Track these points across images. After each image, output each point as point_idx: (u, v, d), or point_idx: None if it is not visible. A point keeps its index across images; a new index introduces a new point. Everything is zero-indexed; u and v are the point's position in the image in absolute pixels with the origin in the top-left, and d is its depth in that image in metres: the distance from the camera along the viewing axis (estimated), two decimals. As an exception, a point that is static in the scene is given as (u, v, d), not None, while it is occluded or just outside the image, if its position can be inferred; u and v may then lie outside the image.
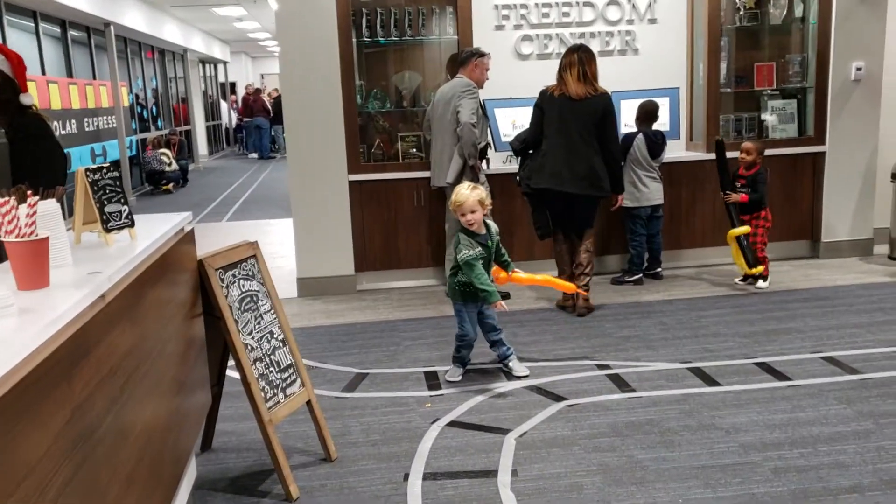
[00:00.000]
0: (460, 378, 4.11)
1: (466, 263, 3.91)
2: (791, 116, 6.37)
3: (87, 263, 2.08)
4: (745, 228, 5.44)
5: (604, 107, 4.96)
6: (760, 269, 5.50)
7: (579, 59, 4.95)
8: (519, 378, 4.08)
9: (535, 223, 5.27)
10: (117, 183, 2.37)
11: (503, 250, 4.19)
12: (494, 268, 4.17)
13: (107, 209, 2.32)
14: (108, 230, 2.33)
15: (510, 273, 4.18)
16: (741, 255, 5.48)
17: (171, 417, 2.51)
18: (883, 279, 5.66)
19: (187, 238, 2.90)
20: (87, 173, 2.29)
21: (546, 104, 5.05)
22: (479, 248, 3.97)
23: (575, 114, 4.94)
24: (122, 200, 2.38)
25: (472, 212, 3.93)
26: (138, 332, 2.13)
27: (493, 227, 4.11)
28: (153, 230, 2.58)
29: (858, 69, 6.09)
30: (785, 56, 6.42)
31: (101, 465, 1.78)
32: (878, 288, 5.43)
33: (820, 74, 6.18)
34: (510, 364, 4.16)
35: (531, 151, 5.24)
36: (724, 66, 6.23)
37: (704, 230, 6.25)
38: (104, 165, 2.34)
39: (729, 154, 5.62)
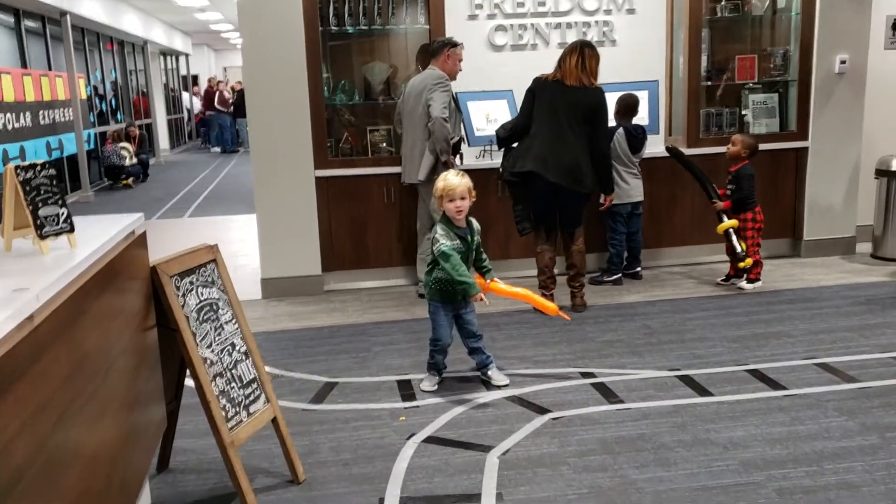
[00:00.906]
0: (436, 388, 3.86)
1: (442, 254, 3.65)
2: (773, 111, 6.21)
3: (15, 277, 1.79)
4: (731, 222, 5.27)
5: (597, 100, 4.80)
6: (749, 262, 5.30)
7: (581, 51, 4.82)
8: (499, 388, 3.84)
9: (517, 217, 5.03)
10: (54, 182, 2.07)
11: (484, 256, 3.94)
12: (475, 275, 3.91)
13: (41, 212, 2.02)
14: (42, 236, 2.03)
15: (489, 281, 3.92)
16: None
17: (121, 442, 2.22)
18: (868, 279, 5.53)
19: (138, 242, 2.61)
20: (18, 171, 1.99)
21: (538, 89, 4.87)
22: (458, 241, 3.72)
23: (566, 101, 4.77)
24: (60, 202, 2.08)
25: (462, 198, 3.68)
26: (77, 355, 1.84)
27: (476, 224, 3.87)
28: (98, 235, 2.27)
29: (842, 62, 5.94)
30: (767, 48, 6.26)
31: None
32: (863, 288, 5.29)
33: (803, 67, 6.02)
34: (489, 373, 3.92)
35: (515, 144, 5.02)
36: (704, 58, 6.05)
37: (684, 228, 6.07)
38: (38, 162, 2.04)
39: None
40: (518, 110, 5.66)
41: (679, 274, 5.83)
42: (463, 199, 3.68)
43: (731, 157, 5.29)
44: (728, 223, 5.28)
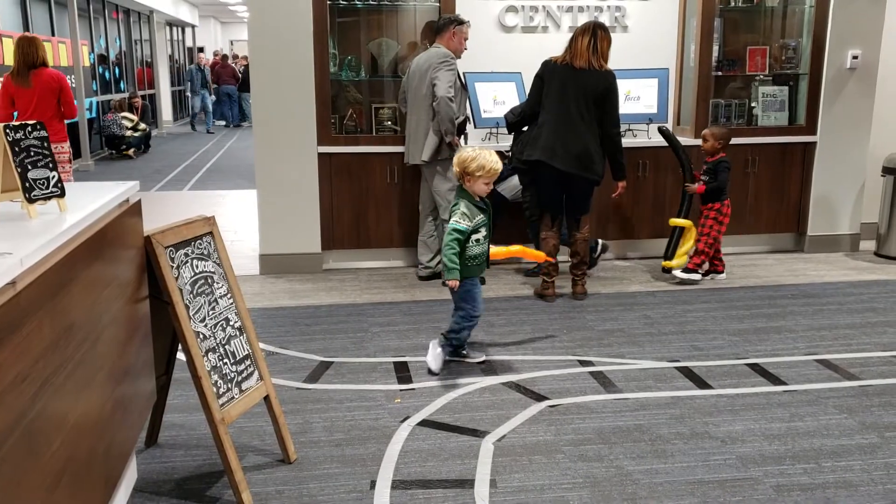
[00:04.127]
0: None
1: (454, 230, 3.66)
2: (782, 104, 6.12)
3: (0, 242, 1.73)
4: (685, 222, 5.24)
5: (607, 84, 4.67)
6: (673, 264, 5.28)
7: (594, 32, 4.69)
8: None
9: (526, 204, 4.97)
10: (45, 145, 2.00)
11: None
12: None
13: (30, 175, 1.96)
14: (31, 200, 1.97)
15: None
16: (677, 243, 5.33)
17: (107, 414, 2.17)
18: (871, 277, 5.47)
19: (132, 210, 2.54)
20: (7, 132, 1.92)
21: (547, 74, 4.75)
22: (480, 216, 3.74)
23: (576, 86, 4.65)
24: (51, 165, 2.02)
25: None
26: (63, 323, 1.79)
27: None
28: (90, 201, 2.21)
29: (854, 57, 5.85)
30: (779, 41, 6.17)
31: (13, 475, 1.46)
32: (867, 286, 5.23)
33: (815, 61, 5.92)
34: (463, 351, 3.96)
35: (524, 129, 4.95)
36: (715, 48, 5.95)
37: (690, 218, 5.98)
38: (29, 123, 1.98)
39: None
40: (527, 94, 5.60)
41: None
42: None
43: (708, 152, 5.20)
44: (680, 221, 5.27)
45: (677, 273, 5.27)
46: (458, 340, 3.87)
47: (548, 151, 4.67)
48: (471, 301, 3.81)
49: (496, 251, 4.00)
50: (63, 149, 5.88)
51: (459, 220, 3.67)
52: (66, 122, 6.08)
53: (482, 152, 3.71)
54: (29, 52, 5.73)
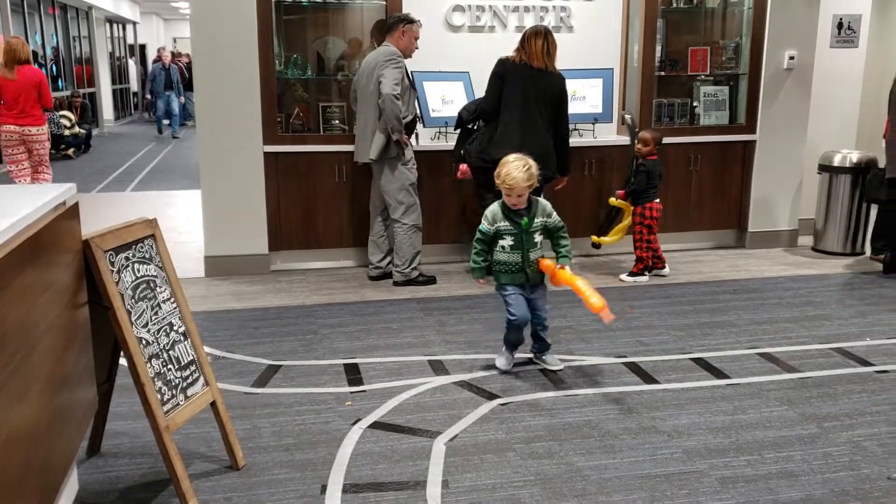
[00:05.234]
0: (511, 366, 3.82)
1: (478, 231, 3.72)
2: (723, 103, 6.26)
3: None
4: (622, 204, 5.40)
5: (562, 87, 4.95)
6: (602, 240, 5.55)
7: (546, 36, 4.90)
8: (553, 368, 3.81)
9: (483, 201, 4.99)
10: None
11: (563, 240, 3.72)
12: (547, 260, 3.73)
13: (-41, 179, 1.89)
14: (-40, 205, 1.90)
15: (558, 267, 3.69)
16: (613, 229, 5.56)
17: (44, 424, 2.10)
18: (809, 271, 5.63)
19: (69, 214, 2.46)
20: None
21: (508, 73, 4.90)
22: (505, 223, 3.64)
23: (536, 86, 4.86)
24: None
25: (519, 196, 3.60)
26: (-5, 332, 1.72)
27: (542, 206, 3.71)
28: (21, 205, 2.13)
29: (791, 58, 6.01)
30: (719, 41, 6.31)
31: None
32: (805, 280, 5.39)
33: (753, 62, 6.07)
34: (544, 357, 3.89)
35: (472, 126, 5.04)
36: (658, 48, 6.05)
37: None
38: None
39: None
40: (474, 93, 5.62)
41: (629, 262, 5.83)
42: (520, 196, 3.59)
43: (641, 154, 5.31)
44: (619, 202, 5.41)
45: (624, 277, 5.40)
46: (508, 342, 3.83)
47: (517, 150, 4.71)
48: (505, 305, 3.76)
49: (567, 276, 3.64)
50: (43, 131, 7.36)
51: (483, 223, 3.72)
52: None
53: (512, 164, 3.56)
54: (16, 51, 7.03)
